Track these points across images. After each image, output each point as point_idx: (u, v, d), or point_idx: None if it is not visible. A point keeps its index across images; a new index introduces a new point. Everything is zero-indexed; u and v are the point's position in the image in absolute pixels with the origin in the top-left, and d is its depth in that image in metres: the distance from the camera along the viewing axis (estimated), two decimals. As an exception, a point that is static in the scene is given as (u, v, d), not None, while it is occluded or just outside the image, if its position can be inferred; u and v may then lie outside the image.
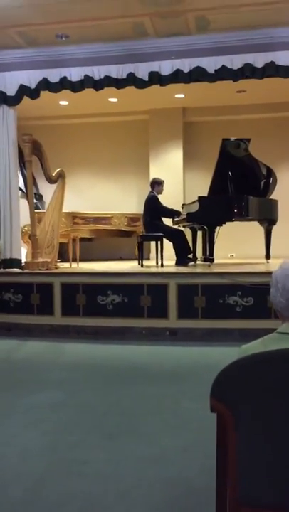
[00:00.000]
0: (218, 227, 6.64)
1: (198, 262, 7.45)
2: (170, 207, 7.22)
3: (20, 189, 7.64)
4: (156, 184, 7.30)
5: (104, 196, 9.85)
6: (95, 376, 4.19)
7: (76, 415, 3.24)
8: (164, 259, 6.82)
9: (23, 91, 6.61)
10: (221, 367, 1.39)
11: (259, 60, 6.09)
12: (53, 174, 6.81)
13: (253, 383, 1.33)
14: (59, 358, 4.87)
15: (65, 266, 7.15)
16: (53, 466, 2.50)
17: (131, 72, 6.36)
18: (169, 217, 7.37)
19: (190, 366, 4.43)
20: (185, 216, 6.94)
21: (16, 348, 5.37)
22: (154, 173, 9.11)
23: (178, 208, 7.59)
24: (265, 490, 1.36)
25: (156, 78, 6.35)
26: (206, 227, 6.95)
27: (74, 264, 7.34)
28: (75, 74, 6.48)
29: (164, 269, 6.31)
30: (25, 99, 6.71)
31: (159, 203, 7.19)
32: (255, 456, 1.36)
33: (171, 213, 7.23)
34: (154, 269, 6.39)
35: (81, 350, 5.18)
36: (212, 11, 5.68)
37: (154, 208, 7.16)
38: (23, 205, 7.10)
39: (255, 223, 7.39)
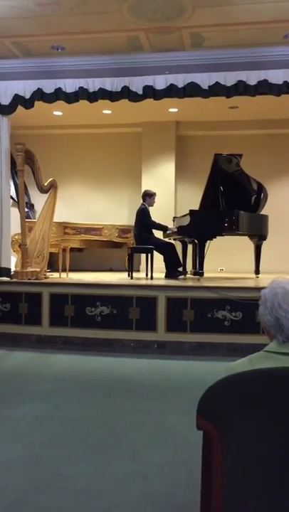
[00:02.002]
0: (208, 241, 6.67)
1: (187, 276, 7.46)
2: (158, 221, 7.20)
3: (11, 198, 7.62)
4: (148, 196, 7.31)
5: (96, 207, 9.86)
6: (81, 388, 4.15)
7: (61, 428, 3.20)
8: (154, 271, 6.83)
9: (18, 100, 6.63)
10: (209, 382, 1.39)
11: (252, 77, 6.18)
12: (45, 184, 6.81)
13: (239, 402, 1.32)
14: (45, 369, 4.82)
15: (54, 276, 7.12)
16: (36, 480, 2.46)
17: (125, 86, 6.41)
18: (158, 230, 7.38)
19: (177, 380, 4.41)
20: (176, 229, 6.97)
21: (2, 358, 5.31)
22: (146, 185, 9.15)
23: (169, 221, 7.62)
24: (250, 508, 1.35)
25: (150, 92, 6.40)
26: (196, 241, 6.98)
27: (63, 275, 7.31)
28: (69, 85, 6.51)
29: (154, 282, 6.31)
30: (20, 109, 6.72)
31: (148, 216, 7.19)
32: (240, 474, 1.35)
33: (159, 228, 7.24)
34: (143, 282, 6.39)
35: (68, 362, 5.14)
36: (207, 29, 5.77)
37: (143, 221, 7.18)
38: (14, 214, 7.08)
39: (246, 238, 7.43)
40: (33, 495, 2.31)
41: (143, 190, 7.56)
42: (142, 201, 7.41)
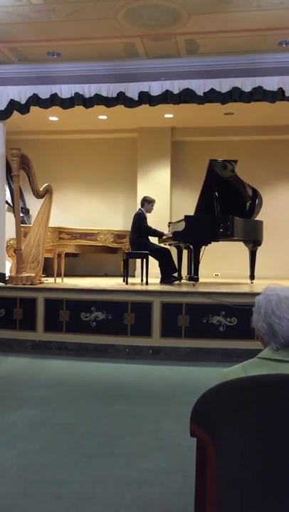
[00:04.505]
0: (203, 247, 6.68)
1: (183, 281, 7.46)
2: (154, 227, 7.21)
3: (6, 203, 7.61)
4: (146, 202, 7.31)
5: (91, 212, 9.86)
6: (75, 394, 4.14)
7: (54, 435, 3.18)
8: (149, 276, 6.82)
9: (13, 106, 6.64)
10: (203, 387, 1.39)
11: (247, 84, 6.22)
12: (41, 189, 6.80)
13: (232, 409, 1.32)
14: (40, 375, 4.80)
15: (49, 281, 7.10)
16: (29, 487, 2.44)
17: (121, 92, 6.43)
18: (153, 237, 7.38)
19: (172, 386, 4.40)
20: (171, 235, 6.97)
21: (-3, 364, 5.29)
22: (142, 190, 9.17)
23: (164, 226, 7.63)
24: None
25: (145, 98, 6.43)
26: (191, 246, 6.99)
27: (58, 280, 7.30)
28: (65, 91, 6.53)
29: (149, 287, 6.30)
30: (15, 114, 6.73)
31: (144, 221, 7.20)
32: (234, 481, 1.35)
33: (154, 234, 7.24)
34: (138, 287, 6.39)
35: (63, 367, 5.12)
36: (202, 35, 5.81)
37: (139, 226, 7.18)
38: (10, 219, 7.07)
39: (241, 243, 7.45)
40: (26, 502, 2.30)
41: (142, 196, 7.55)
42: (139, 206, 7.41)
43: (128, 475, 2.59)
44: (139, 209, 7.35)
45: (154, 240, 7.38)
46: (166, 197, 9.49)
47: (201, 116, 8.45)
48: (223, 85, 6.25)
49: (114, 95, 6.45)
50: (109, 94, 6.45)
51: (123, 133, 9.72)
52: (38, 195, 6.83)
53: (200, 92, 6.31)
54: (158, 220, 7.80)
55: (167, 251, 7.20)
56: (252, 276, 7.47)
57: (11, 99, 6.61)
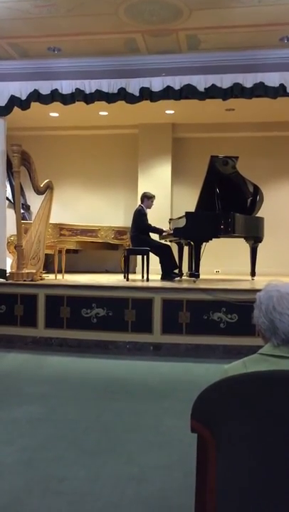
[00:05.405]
0: (204, 243, 6.67)
1: (183, 278, 7.45)
2: (154, 224, 7.20)
3: (7, 199, 7.61)
4: (146, 198, 7.30)
5: (92, 209, 9.85)
6: (76, 390, 4.14)
7: (55, 431, 3.18)
8: (149, 273, 6.82)
9: (14, 101, 6.63)
10: (204, 384, 1.38)
11: (248, 80, 6.20)
12: (41, 185, 6.80)
13: (233, 405, 1.32)
14: (40, 371, 4.80)
15: (50, 277, 7.11)
16: (30, 483, 2.45)
17: (122, 87, 6.41)
18: (154, 233, 7.37)
19: (173, 382, 4.40)
20: (172, 231, 6.96)
21: (-3, 360, 5.29)
22: (143, 186, 9.15)
23: (165, 223, 7.62)
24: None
25: (146, 94, 6.41)
26: (192, 243, 6.98)
27: (59, 276, 7.29)
28: (66, 87, 6.52)
29: (150, 284, 6.31)
30: (16, 110, 6.72)
31: (144, 218, 7.18)
32: (235, 477, 1.35)
33: (154, 231, 7.23)
34: (139, 284, 6.39)
35: (63, 364, 5.12)
36: (203, 31, 5.79)
37: (138, 224, 7.17)
38: (10, 215, 7.06)
39: (242, 240, 7.44)
40: (28, 498, 2.30)
41: (142, 192, 7.54)
42: (139, 202, 7.40)
43: (129, 471, 2.59)
44: (139, 205, 7.34)
45: (154, 236, 7.37)
46: (167, 193, 9.46)
47: (202, 112, 8.43)
48: (224, 81, 6.24)
49: (115, 91, 6.43)
50: (110, 90, 6.43)
51: (124, 129, 9.69)
52: (38, 191, 6.83)
53: (201, 88, 6.29)
54: (159, 216, 7.79)
55: (168, 247, 7.20)
56: (253, 273, 7.47)
57: (12, 95, 6.60)
